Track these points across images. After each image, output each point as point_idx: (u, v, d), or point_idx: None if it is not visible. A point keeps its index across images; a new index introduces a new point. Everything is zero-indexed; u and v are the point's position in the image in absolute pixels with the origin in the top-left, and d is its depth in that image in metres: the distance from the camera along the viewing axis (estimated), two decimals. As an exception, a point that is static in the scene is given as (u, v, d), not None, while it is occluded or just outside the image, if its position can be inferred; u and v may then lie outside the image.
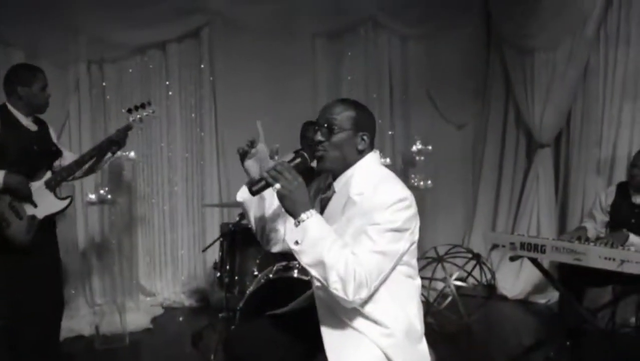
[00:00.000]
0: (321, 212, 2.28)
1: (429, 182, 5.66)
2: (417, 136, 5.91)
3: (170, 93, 5.64)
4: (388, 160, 5.71)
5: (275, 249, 2.59)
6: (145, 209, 5.66)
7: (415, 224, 2.20)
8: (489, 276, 5.12)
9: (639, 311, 4.37)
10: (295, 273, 3.87)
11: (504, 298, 5.67)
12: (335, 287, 2.04)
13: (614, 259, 3.71)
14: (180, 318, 5.23)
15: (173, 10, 5.39)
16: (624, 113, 5.07)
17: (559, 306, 4.72)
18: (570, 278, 4.20)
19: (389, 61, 6.21)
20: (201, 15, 5.53)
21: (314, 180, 2.55)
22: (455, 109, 6.44)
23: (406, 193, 2.16)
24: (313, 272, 2.07)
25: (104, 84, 5.41)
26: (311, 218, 2.08)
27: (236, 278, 4.40)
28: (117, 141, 3.82)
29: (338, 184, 2.29)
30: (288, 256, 4.15)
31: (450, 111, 6.45)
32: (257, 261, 4.35)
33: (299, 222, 2.09)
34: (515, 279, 5.75)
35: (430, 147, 5.88)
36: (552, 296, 5.56)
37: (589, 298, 4.55)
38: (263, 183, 2.17)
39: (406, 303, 2.24)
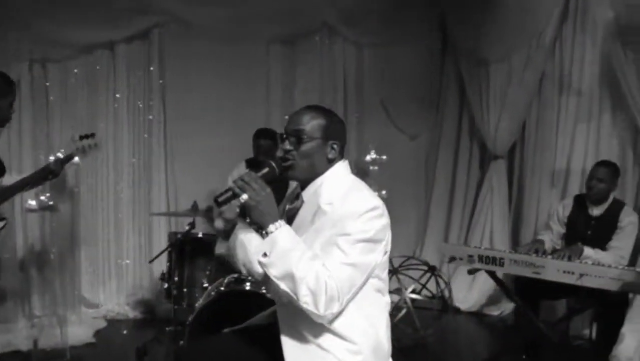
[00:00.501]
0: (289, 222, 2.15)
1: (384, 192, 5.56)
2: (371, 145, 5.82)
3: (117, 96, 5.40)
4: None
5: None
6: (89, 216, 5.39)
7: (388, 235, 2.10)
8: (443, 288, 5.05)
9: (593, 324, 4.36)
10: (248, 286, 3.75)
11: (457, 311, 5.60)
12: (306, 301, 1.94)
13: (572, 273, 3.70)
14: (125, 331, 4.98)
15: (122, 9, 5.18)
16: (578, 126, 5.09)
17: (515, 319, 4.70)
18: (526, 291, 4.18)
19: (343, 69, 6.11)
20: (151, 16, 5.34)
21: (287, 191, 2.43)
22: (409, 119, 6.38)
23: (377, 201, 2.07)
24: (282, 286, 1.96)
25: (47, 84, 5.15)
26: (280, 229, 2.00)
27: (185, 290, 4.24)
28: (54, 170, 3.68)
29: (307, 194, 2.19)
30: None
31: (403, 121, 6.38)
32: (207, 272, 4.22)
33: (267, 233, 2.00)
34: (469, 292, 5.71)
35: (384, 157, 5.80)
36: (505, 308, 5.55)
37: (544, 311, 4.52)
38: (229, 193, 2.05)
39: (375, 318, 2.13)
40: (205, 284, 4.07)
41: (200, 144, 5.46)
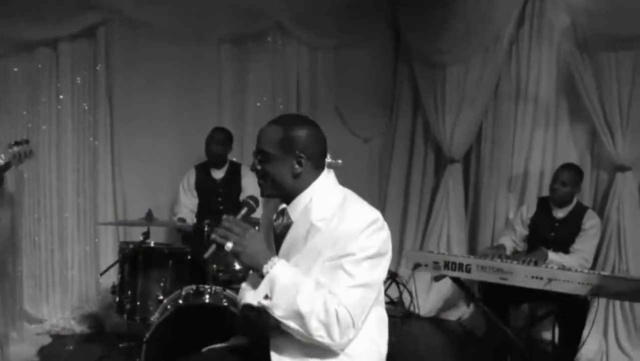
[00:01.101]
0: (278, 242, 2.06)
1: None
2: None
3: (61, 97, 5.04)
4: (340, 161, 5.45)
5: None
6: (31, 225, 5.04)
7: (390, 246, 1.99)
8: (405, 294, 4.97)
9: (555, 328, 4.36)
10: (207, 299, 3.57)
11: (416, 316, 5.53)
12: (320, 334, 1.84)
13: (541, 278, 3.67)
14: (70, 347, 4.65)
15: (66, 4, 4.84)
16: (536, 129, 5.10)
17: (486, 327, 4.65)
18: (492, 297, 4.14)
19: (297, 70, 5.95)
20: (97, 13, 5.02)
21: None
22: (362, 122, 6.29)
23: (376, 213, 1.96)
24: (291, 325, 1.86)
25: (-16, 82, 4.77)
26: (275, 266, 1.90)
27: (138, 303, 3.97)
28: None
29: (294, 211, 2.04)
30: (196, 279, 3.87)
31: (357, 124, 6.27)
32: (162, 284, 4.00)
33: (263, 275, 1.90)
34: (427, 297, 5.65)
35: (339, 161, 5.65)
36: (463, 312, 5.52)
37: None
38: (213, 246, 1.95)
39: (375, 334, 2.03)
40: (160, 297, 3.87)
41: (149, 147, 5.20)
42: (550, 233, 4.29)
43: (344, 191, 2.08)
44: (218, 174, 4.91)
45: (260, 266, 1.89)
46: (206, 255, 1.96)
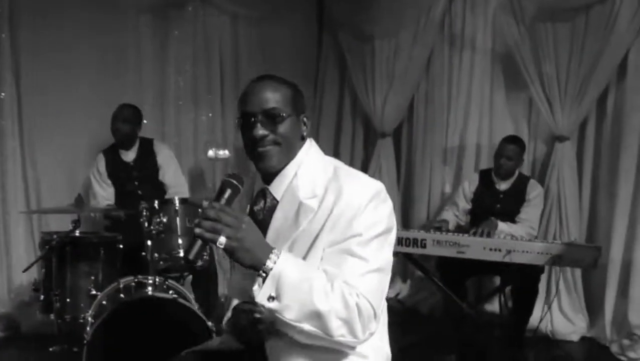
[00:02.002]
0: (262, 229, 1.68)
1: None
2: (253, 124, 5.37)
3: (-42, 71, 4.42)
4: (227, 152, 5.13)
5: None
6: None
7: (394, 220, 1.73)
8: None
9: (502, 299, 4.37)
10: (151, 291, 3.25)
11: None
12: (341, 333, 1.55)
13: (499, 250, 3.65)
14: (-19, 353, 4.13)
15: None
16: (472, 102, 5.06)
17: (444, 304, 4.60)
18: (446, 272, 4.08)
19: (219, 43, 5.57)
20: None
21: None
22: (286, 97, 6.00)
23: (378, 183, 1.71)
24: (306, 327, 1.54)
25: None
26: (279, 260, 1.55)
27: (68, 300, 3.55)
28: None
29: (277, 190, 1.76)
30: (130, 269, 3.51)
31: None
32: (93, 277, 3.61)
33: (265, 273, 1.54)
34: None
35: (227, 152, 5.39)
36: (400, 289, 5.45)
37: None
38: (199, 243, 1.53)
39: (382, 330, 1.76)
40: (93, 292, 3.49)
41: (63, 127, 4.68)
42: (495, 205, 4.28)
43: (332, 161, 1.81)
44: (129, 155, 4.39)
45: (261, 263, 1.53)
46: (191, 255, 1.54)
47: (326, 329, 1.53)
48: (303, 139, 1.78)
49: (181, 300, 3.16)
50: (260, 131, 1.68)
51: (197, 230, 1.51)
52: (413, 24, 5.22)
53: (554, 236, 4.46)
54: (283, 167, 1.74)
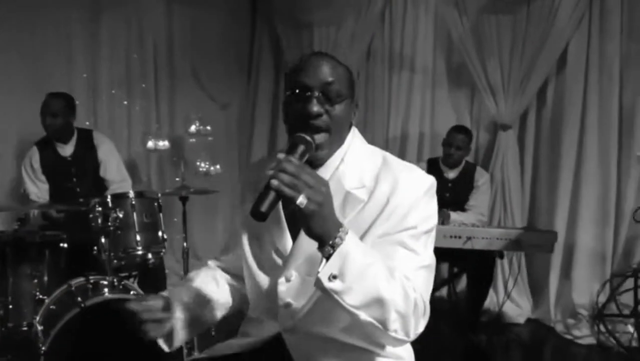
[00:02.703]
0: (297, 221, 1.51)
1: (218, 167, 4.98)
2: (194, 115, 5.18)
3: None
4: (167, 143, 4.89)
5: None
6: None
7: None
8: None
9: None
10: (108, 292, 3.03)
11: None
12: (395, 328, 1.42)
13: (459, 237, 3.69)
14: None
15: None
16: (413, 91, 5.09)
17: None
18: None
19: (153, 29, 5.32)
20: None
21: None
22: (219, 86, 5.81)
23: (430, 176, 1.61)
24: (363, 316, 1.39)
25: None
26: (347, 237, 1.37)
27: (10, 306, 3.24)
28: None
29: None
30: (76, 270, 3.25)
31: (214, 89, 5.78)
32: (37, 280, 3.31)
33: (333, 247, 1.35)
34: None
35: (209, 128, 5.22)
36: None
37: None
38: (272, 196, 1.32)
39: None
40: (40, 296, 3.22)
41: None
42: (445, 193, 4.32)
43: (378, 150, 1.68)
44: (66, 149, 4.04)
45: (331, 236, 1.34)
46: (264, 207, 1.31)
47: (385, 320, 1.40)
48: (350, 126, 1.66)
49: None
50: (316, 107, 1.52)
51: (275, 182, 1.30)
52: (353, 13, 5.18)
53: (499, 222, 4.59)
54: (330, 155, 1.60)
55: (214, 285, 1.83)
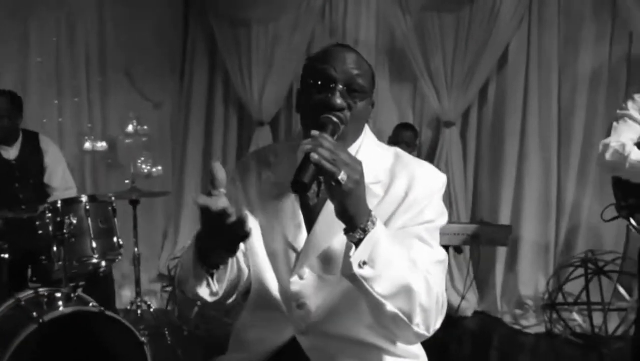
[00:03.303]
0: (313, 214, 1.55)
1: (159, 168, 4.76)
2: (132, 114, 4.93)
3: None
4: (105, 144, 4.63)
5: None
6: None
7: None
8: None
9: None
10: (63, 305, 2.82)
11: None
12: (417, 322, 1.38)
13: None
14: None
15: None
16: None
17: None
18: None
19: (84, 24, 5.04)
20: None
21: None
22: (152, 85, 5.54)
23: (442, 173, 1.60)
24: (389, 306, 1.35)
25: None
26: (377, 223, 1.35)
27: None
28: None
29: None
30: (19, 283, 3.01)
31: (147, 87, 5.50)
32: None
33: (364, 231, 1.32)
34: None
35: (146, 128, 4.99)
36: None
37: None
38: (312, 169, 1.28)
39: None
40: (-16, 311, 2.97)
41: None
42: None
43: (389, 147, 1.66)
44: (11, 152, 3.76)
45: (362, 219, 1.32)
46: (306, 178, 1.28)
47: (410, 312, 1.36)
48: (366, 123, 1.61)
49: (108, 313, 2.78)
50: (339, 100, 1.46)
51: (315, 156, 1.27)
52: (292, 9, 5.10)
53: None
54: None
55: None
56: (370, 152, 1.56)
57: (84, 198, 3.19)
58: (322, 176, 1.32)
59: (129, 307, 3.75)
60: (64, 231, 2.94)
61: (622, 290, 3.99)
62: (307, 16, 5.07)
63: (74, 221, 3.03)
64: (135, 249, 3.59)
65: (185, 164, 5.70)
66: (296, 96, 1.60)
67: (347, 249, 1.35)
